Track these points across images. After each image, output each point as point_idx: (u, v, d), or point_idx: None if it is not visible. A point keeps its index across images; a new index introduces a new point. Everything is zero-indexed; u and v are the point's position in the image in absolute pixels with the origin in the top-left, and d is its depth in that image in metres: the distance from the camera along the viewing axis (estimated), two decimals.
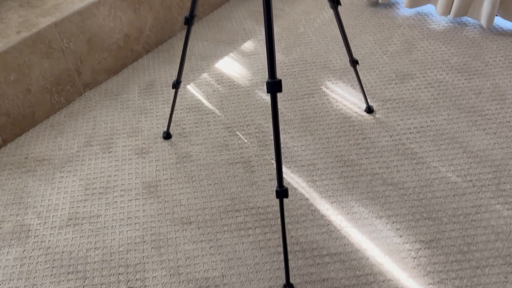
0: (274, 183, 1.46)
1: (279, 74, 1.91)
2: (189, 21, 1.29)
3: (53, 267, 1.28)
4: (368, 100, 1.71)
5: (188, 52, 2.09)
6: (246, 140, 1.63)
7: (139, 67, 2.03)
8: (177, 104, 1.82)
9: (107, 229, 1.37)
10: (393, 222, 1.31)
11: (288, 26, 2.19)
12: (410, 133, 1.59)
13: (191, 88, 1.89)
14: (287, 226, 1.33)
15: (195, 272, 1.24)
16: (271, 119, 1.70)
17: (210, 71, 1.97)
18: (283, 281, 1.19)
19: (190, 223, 1.37)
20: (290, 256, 1.25)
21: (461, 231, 1.27)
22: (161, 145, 1.64)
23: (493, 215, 1.30)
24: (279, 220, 1.35)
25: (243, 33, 2.18)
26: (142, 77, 1.97)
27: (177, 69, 1.97)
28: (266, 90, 1.84)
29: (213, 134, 1.67)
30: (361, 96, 1.75)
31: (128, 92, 1.90)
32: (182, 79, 1.95)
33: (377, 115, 1.67)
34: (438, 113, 1.65)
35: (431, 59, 1.89)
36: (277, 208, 1.38)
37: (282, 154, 1.56)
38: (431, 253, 1.22)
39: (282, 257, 1.25)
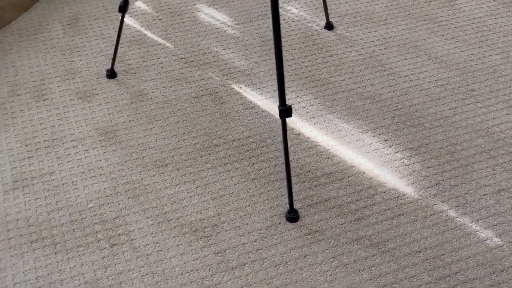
0: (250, 112, 1.34)
1: None
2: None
3: (9, 239, 1.05)
4: (326, 15, 1.61)
5: None
6: (206, 70, 1.46)
7: (54, 0, 1.71)
8: (115, 38, 1.56)
9: (67, 185, 1.16)
10: (380, 134, 1.28)
11: None
12: (375, 45, 1.54)
13: (126, 19, 1.63)
14: (274, 153, 1.23)
15: (186, 215, 1.10)
16: (228, 46, 1.54)
17: None
18: (283, 208, 1.11)
19: (166, 165, 1.21)
20: (285, 183, 1.16)
21: (444, 133, 1.28)
22: (107, 86, 1.41)
23: (469, 114, 1.32)
24: (264, 149, 1.24)
25: None
26: (62, 12, 1.66)
27: (104, 1, 1.69)
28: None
29: (166, 68, 1.47)
30: (318, 13, 1.65)
31: (49, 30, 1.59)
32: (113, 9, 1.67)
33: (338, 31, 1.59)
34: (396, 24, 1.62)
35: None
36: (260, 137, 1.27)
37: (250, 81, 1.43)
38: (422, 158, 1.22)
39: (277, 185, 1.16)
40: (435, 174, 1.18)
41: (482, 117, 1.32)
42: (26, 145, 1.24)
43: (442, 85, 1.41)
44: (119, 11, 1.23)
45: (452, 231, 1.07)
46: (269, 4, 1.69)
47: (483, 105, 1.35)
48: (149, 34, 1.58)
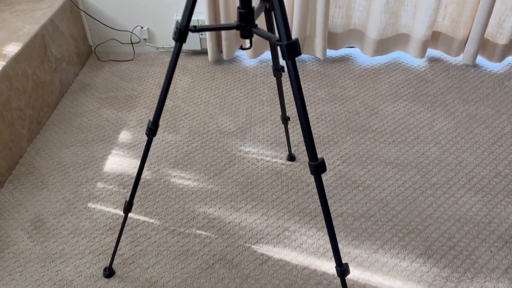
0: (267, 266, 1.35)
1: (180, 154, 1.76)
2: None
3: None
4: (288, 149, 1.75)
5: (55, 164, 1.72)
6: (204, 235, 1.44)
7: (4, 205, 1.56)
8: (92, 230, 1.47)
9: None
10: (390, 249, 1.39)
11: (152, 104, 2.05)
12: (337, 165, 1.71)
13: (94, 206, 1.56)
14: None
15: None
16: (212, 202, 1.56)
17: (103, 177, 1.67)
18: None
19: None
20: None
21: (437, 231, 1.44)
22: (111, 286, 1.30)
23: (445, 207, 1.52)
24: None
25: (110, 125, 1.93)
26: (19, 217, 1.52)
27: (62, 192, 1.60)
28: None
29: (162, 246, 1.42)
30: (275, 147, 1.79)
31: (13, 243, 1.43)
32: (75, 198, 1.59)
33: (300, 160, 1.74)
34: (343, 140, 1.83)
35: None
36: None
37: (251, 233, 1.45)
38: (434, 260, 1.35)
39: None
40: (453, 272, 1.32)
41: (455, 206, 1.52)
42: None
43: (410, 186, 1.61)
44: (124, 212, 1.19)
45: None
46: (228, 151, 1.78)
47: (449, 194, 1.57)
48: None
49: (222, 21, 2.14)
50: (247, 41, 2.24)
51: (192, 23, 2.14)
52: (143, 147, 1.81)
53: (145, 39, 2.37)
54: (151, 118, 1.06)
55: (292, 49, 0.86)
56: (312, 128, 1.89)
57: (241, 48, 1.01)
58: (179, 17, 2.28)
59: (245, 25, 0.94)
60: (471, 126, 1.87)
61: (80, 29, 2.27)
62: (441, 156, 1.73)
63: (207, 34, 2.22)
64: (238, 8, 0.93)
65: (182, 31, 0.92)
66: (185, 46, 2.36)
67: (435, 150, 1.76)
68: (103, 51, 2.42)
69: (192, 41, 2.32)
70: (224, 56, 2.29)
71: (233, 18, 2.21)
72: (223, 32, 2.20)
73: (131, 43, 2.38)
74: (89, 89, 2.15)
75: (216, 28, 0.98)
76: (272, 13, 0.97)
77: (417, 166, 1.69)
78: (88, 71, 2.28)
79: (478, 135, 1.83)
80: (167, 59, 2.36)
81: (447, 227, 1.45)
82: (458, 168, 1.68)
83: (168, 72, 0.96)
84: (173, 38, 0.93)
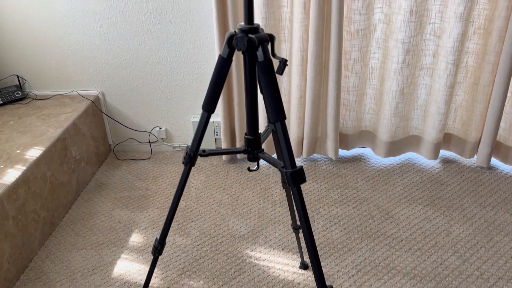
0: None
1: (189, 260, 1.73)
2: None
3: None
4: (301, 257, 1.70)
5: (64, 269, 1.70)
6: None
7: None
8: None
9: None
10: None
11: (165, 204, 2.07)
12: (352, 275, 1.64)
13: None
14: None
15: None
16: None
17: (110, 284, 1.63)
18: None
19: None
20: None
21: None
22: None
23: None
24: None
25: (122, 226, 1.93)
26: None
27: None
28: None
29: None
30: (286, 253, 1.74)
31: None
32: None
33: None
34: (358, 247, 1.77)
35: (315, 199, 2.06)
36: None
37: None
38: None
39: None
40: None
41: None
42: None
43: None
44: None
45: None
46: (238, 257, 1.74)
47: None
48: None
49: (236, 122, 2.22)
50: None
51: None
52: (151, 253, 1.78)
53: (162, 138, 2.46)
54: (158, 235, 1.05)
55: (296, 177, 0.87)
56: (325, 233, 1.85)
57: (249, 169, 1.03)
58: (196, 119, 2.37)
59: (252, 150, 0.97)
60: (491, 233, 1.81)
61: (101, 129, 2.38)
62: (460, 266, 1.65)
63: (222, 135, 2.29)
64: (246, 134, 0.97)
65: (191, 156, 0.95)
66: (202, 146, 2.42)
67: (454, 260, 1.68)
68: (121, 150, 2.51)
69: (209, 140, 2.38)
70: (238, 155, 2.34)
71: None
72: (237, 134, 2.27)
73: (149, 142, 2.47)
74: (105, 188, 2.19)
75: (224, 153, 1.01)
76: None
77: (436, 277, 1.61)
78: (105, 169, 2.34)
79: (498, 243, 1.75)
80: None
81: None
82: (480, 280, 1.59)
83: (176, 194, 0.98)
84: (183, 163, 0.96)
